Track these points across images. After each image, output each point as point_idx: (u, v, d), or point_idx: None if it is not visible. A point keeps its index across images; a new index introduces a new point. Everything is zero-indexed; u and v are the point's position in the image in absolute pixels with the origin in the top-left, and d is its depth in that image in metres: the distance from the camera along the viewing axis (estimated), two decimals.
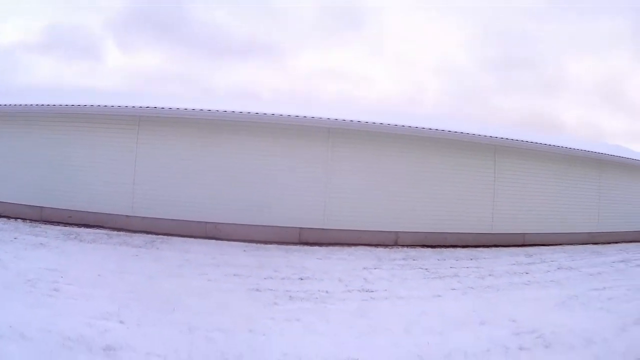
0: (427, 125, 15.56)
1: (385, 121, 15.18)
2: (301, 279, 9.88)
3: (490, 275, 11.45)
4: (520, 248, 16.00)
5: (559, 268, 12.76)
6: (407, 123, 15.34)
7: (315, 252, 13.26)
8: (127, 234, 13.71)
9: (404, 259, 13.06)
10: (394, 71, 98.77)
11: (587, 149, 18.15)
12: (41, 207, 14.81)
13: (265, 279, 9.71)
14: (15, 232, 12.48)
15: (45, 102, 14.93)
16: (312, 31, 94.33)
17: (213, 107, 14.38)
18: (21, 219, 14.59)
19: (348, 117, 14.90)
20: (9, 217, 14.61)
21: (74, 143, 14.88)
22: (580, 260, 14.15)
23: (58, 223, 14.39)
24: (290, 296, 8.52)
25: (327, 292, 8.96)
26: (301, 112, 14.88)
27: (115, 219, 14.42)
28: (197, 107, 14.36)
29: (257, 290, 8.85)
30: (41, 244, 11.27)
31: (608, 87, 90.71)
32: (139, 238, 13.13)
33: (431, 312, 8.12)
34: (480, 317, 7.88)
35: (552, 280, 11.20)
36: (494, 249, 15.59)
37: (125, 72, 64.77)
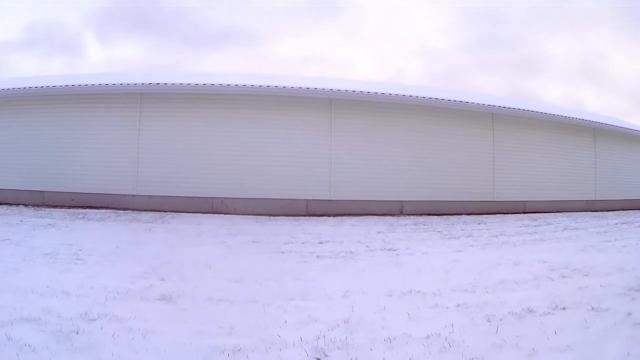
0: (427, 94, 15.82)
1: (387, 91, 15.33)
2: (321, 243, 9.86)
3: (502, 234, 11.60)
4: (522, 215, 16.25)
5: (565, 228, 12.97)
6: (408, 93, 15.50)
7: (325, 221, 13.35)
8: (134, 212, 13.61)
9: (414, 224, 13.19)
10: (374, 55, 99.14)
11: (583, 118, 18.48)
12: (42, 192, 14.59)
13: (285, 244, 9.68)
14: (20, 215, 12.30)
15: (43, 84, 14.77)
16: (290, 17, 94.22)
17: (215, 82, 14.34)
18: (23, 204, 14.36)
19: (349, 88, 15.02)
20: (10, 204, 14.40)
21: (74, 124, 14.71)
22: (583, 222, 14.42)
23: (61, 207, 14.18)
24: (317, 256, 8.45)
25: (351, 252, 8.92)
26: (303, 84, 14.90)
27: (120, 199, 14.28)
28: (200, 82, 14.30)
29: (282, 252, 8.80)
30: (49, 224, 11.06)
31: (590, 65, 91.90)
32: (147, 215, 13.07)
33: (462, 260, 8.23)
34: (510, 260, 8.04)
35: (562, 237, 11.37)
36: (498, 215, 15.82)
37: (106, 66, 64.40)
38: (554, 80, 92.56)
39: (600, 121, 19.32)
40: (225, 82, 14.39)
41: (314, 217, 14.09)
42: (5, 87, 15.04)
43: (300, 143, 14.69)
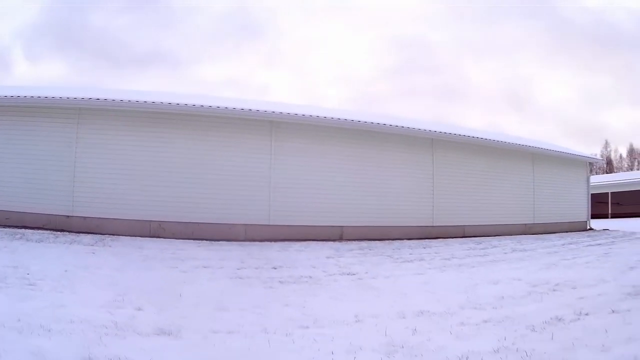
0: (370, 119, 16.04)
1: (328, 115, 15.40)
2: (274, 268, 9.52)
3: (453, 257, 11.64)
4: (463, 239, 16.49)
5: (513, 250, 13.24)
6: (349, 117, 15.58)
7: (269, 246, 13.03)
8: (72, 234, 12.82)
9: (360, 249, 13.05)
10: (293, 79, 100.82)
11: (521, 143, 19.05)
12: None
13: (238, 269, 9.28)
14: None
15: None
16: (212, 41, 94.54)
17: (156, 100, 13.94)
18: None
19: (291, 110, 15.01)
20: None
21: (7, 137, 13.89)
22: (529, 244, 14.68)
23: None
24: (279, 281, 8.13)
25: (310, 277, 8.63)
26: (245, 105, 14.71)
27: (54, 219, 13.48)
28: (141, 99, 13.88)
29: (241, 278, 8.41)
30: None
31: (513, 91, 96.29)
32: (86, 237, 12.34)
33: (434, 282, 8.22)
34: (484, 280, 8.19)
35: (515, 258, 11.62)
36: (439, 240, 15.93)
37: (32, 82, 62.67)
38: (475, 107, 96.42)
39: (538, 146, 20.22)
40: (166, 100, 14.03)
41: (255, 242, 13.75)
42: None
43: (240, 166, 14.41)
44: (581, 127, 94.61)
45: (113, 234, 13.14)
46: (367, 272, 9.21)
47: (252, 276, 8.53)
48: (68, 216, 13.50)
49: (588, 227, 21.61)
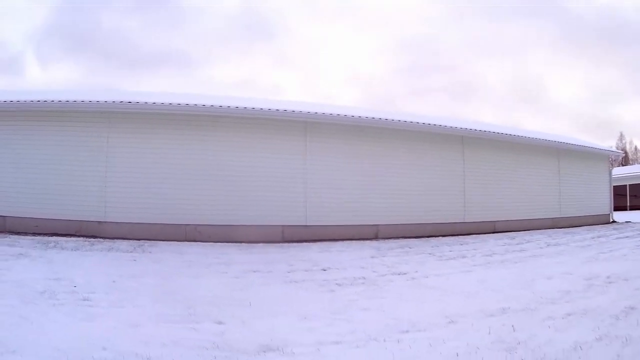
0: (402, 118, 15.99)
1: (363, 114, 15.31)
2: (324, 270, 9.46)
3: (494, 253, 11.69)
4: (495, 234, 16.48)
5: (548, 245, 13.31)
6: (384, 117, 15.54)
7: (308, 247, 12.96)
8: (106, 240, 12.60)
9: (400, 247, 12.99)
10: (306, 79, 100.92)
11: (547, 138, 19.49)
12: (4, 217, 13.35)
13: (289, 272, 9.22)
14: None
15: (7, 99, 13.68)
16: (224, 42, 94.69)
17: (190, 102, 13.86)
18: None
19: (326, 111, 14.95)
20: None
21: (38, 143, 13.65)
22: (560, 239, 14.80)
23: (25, 233, 13.02)
24: (336, 284, 8.08)
25: (364, 278, 8.59)
26: (280, 106, 14.66)
27: (87, 226, 13.25)
28: (174, 101, 13.78)
29: (295, 281, 8.34)
30: (20, 254, 9.99)
31: (526, 88, 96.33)
32: (122, 244, 12.13)
33: (489, 279, 8.27)
34: (537, 275, 8.33)
35: (553, 252, 11.79)
36: (471, 236, 15.95)
37: (45, 85, 62.80)
38: (489, 104, 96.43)
39: (563, 141, 20.25)
40: (199, 102, 13.94)
41: (292, 243, 13.63)
42: None
43: (276, 167, 14.31)
44: (595, 121, 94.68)
45: (147, 239, 12.96)
46: (416, 271, 9.21)
47: (305, 279, 8.48)
48: (100, 222, 13.32)
49: (611, 220, 21.70)
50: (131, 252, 11.12)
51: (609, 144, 71.17)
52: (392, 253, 11.86)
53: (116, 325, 5.18)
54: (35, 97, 13.67)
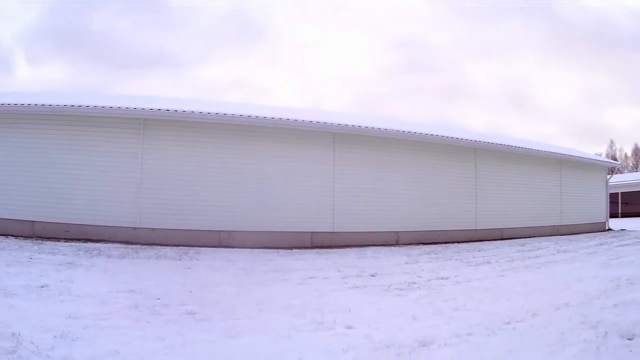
0: (421, 130, 16.74)
1: (387, 126, 16.09)
2: (373, 275, 10.09)
3: (513, 260, 12.55)
4: (503, 241, 17.42)
5: (558, 252, 14.17)
6: (406, 129, 16.39)
7: (342, 253, 13.64)
8: (145, 247, 12.89)
9: (426, 253, 13.75)
10: (295, 80, 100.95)
11: (551, 150, 20.54)
12: (32, 222, 13.31)
13: (343, 278, 9.76)
14: (22, 250, 11.16)
15: (38, 102, 13.63)
16: (214, 43, 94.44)
17: (228, 111, 14.32)
18: (11, 235, 13.08)
19: (354, 122, 15.61)
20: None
21: (70, 148, 13.70)
22: (566, 246, 15.71)
23: (55, 239, 13.05)
24: (397, 288, 8.73)
25: (414, 282, 9.28)
26: (309, 117, 15.28)
27: (119, 231, 13.41)
28: (211, 110, 14.21)
29: (357, 287, 8.91)
30: (68, 262, 10.05)
31: (514, 91, 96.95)
32: (168, 251, 12.44)
33: (527, 282, 9.21)
34: (567, 279, 9.28)
35: (566, 259, 12.68)
36: (484, 242, 16.87)
37: (34, 84, 62.46)
38: (477, 107, 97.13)
39: (565, 152, 21.41)
40: (238, 112, 14.42)
41: (321, 249, 14.27)
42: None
43: (307, 176, 14.91)
44: (584, 126, 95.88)
45: (183, 245, 13.30)
46: (456, 276, 9.95)
47: (366, 285, 9.06)
48: (135, 228, 13.53)
49: (607, 228, 22.80)
50: (179, 259, 11.44)
51: (599, 150, 72.54)
52: (423, 259, 12.56)
53: (269, 338, 5.50)
54: (67, 101, 13.83)
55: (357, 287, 8.85)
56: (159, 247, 12.99)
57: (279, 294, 8.10)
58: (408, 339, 5.35)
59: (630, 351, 4.59)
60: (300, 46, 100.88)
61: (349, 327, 5.96)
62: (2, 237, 12.83)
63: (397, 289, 8.68)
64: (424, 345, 5.15)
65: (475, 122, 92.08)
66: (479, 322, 6.05)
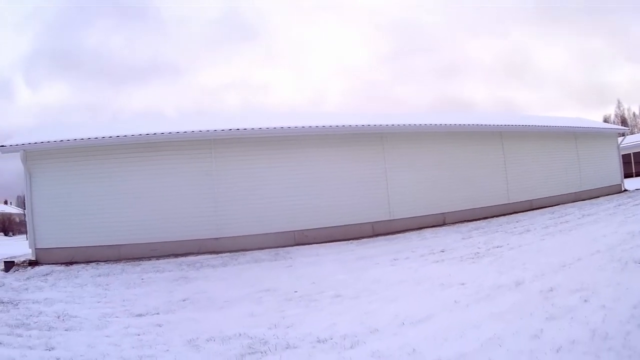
0: (454, 122, 19.00)
1: (427, 122, 18.53)
2: (442, 251, 11.78)
3: (548, 226, 14.27)
4: (533, 211, 19.44)
5: (583, 216, 15.91)
6: (440, 122, 18.62)
7: (403, 237, 15.59)
8: (232, 254, 14.30)
9: (475, 229, 15.70)
10: (293, 76, 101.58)
11: (568, 125, 22.93)
12: (119, 246, 14.57)
13: (421, 256, 11.53)
14: (125, 273, 12.21)
15: (113, 134, 14.80)
16: (209, 47, 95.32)
17: (284, 125, 16.10)
18: (100, 261, 14.12)
19: (397, 122, 17.79)
20: (88, 262, 13.96)
21: (148, 173, 15.10)
22: (590, 210, 17.49)
23: (142, 258, 14.34)
24: (468, 258, 10.44)
25: (477, 253, 10.96)
26: (359, 122, 17.25)
27: (204, 243, 14.94)
28: (271, 125, 16.02)
29: (437, 261, 10.61)
30: (182, 277, 11.06)
31: (513, 63, 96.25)
32: (255, 254, 13.95)
33: (565, 242, 11.14)
34: (595, 236, 11.10)
35: (591, 221, 14.33)
36: (517, 214, 18.98)
37: (36, 108, 64.60)
38: (478, 82, 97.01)
39: (579, 125, 23.60)
40: (286, 124, 16.15)
41: (380, 237, 16.21)
42: (73, 137, 14.71)
43: (362, 173, 17.00)
44: (590, 90, 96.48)
45: (263, 248, 14.89)
46: (508, 244, 11.72)
47: (443, 259, 10.75)
48: (217, 238, 15.17)
49: (623, 189, 24.77)
50: (275, 260, 12.98)
51: (607, 111, 72.48)
52: (474, 234, 14.41)
53: (417, 298, 7.28)
54: (140, 131, 15.05)
55: (437, 262, 10.56)
56: (244, 252, 14.55)
57: (384, 274, 9.63)
58: (508, 283, 7.44)
59: None
60: (296, 43, 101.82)
61: (462, 284, 7.86)
62: (93, 263, 13.87)
63: (468, 258, 10.45)
64: (519, 284, 7.29)
65: (478, 96, 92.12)
66: (544, 269, 8.05)
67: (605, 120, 67.09)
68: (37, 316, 7.88)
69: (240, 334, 6.25)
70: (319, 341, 5.64)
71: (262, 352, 5.47)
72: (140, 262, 13.89)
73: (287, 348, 5.52)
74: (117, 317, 7.81)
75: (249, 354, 5.46)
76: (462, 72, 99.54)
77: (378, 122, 17.44)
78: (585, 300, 5.74)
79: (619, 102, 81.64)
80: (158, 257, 14.30)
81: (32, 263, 14.18)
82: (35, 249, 14.44)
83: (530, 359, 4.22)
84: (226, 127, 15.67)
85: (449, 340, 5.08)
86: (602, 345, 4.25)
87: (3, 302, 9.07)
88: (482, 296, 6.85)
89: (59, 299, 9.30)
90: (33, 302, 9.05)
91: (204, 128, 15.54)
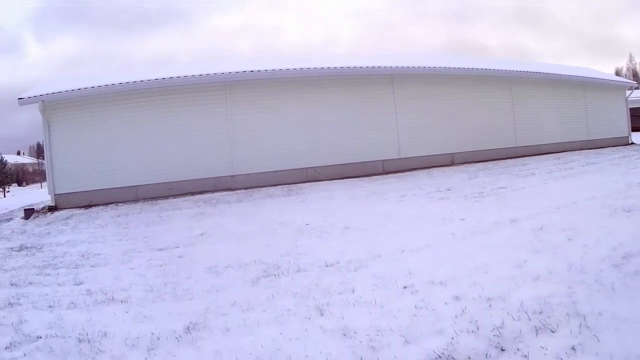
0: (467, 65, 19.41)
1: (438, 64, 18.65)
2: (449, 190, 12.44)
3: (552, 172, 14.68)
4: (540, 156, 19.86)
5: (587, 164, 16.26)
6: (454, 65, 18.91)
7: (412, 175, 16.25)
8: (246, 190, 14.96)
9: (481, 170, 16.27)
10: (306, 19, 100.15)
11: (576, 74, 23.01)
12: (137, 186, 15.27)
13: (428, 194, 12.13)
14: (145, 212, 12.77)
15: (134, 79, 15.34)
16: None
17: (297, 66, 16.51)
18: (120, 202, 14.74)
19: (406, 64, 18.08)
20: (106, 204, 14.56)
21: (164, 117, 15.70)
22: (595, 158, 17.80)
23: (160, 197, 14.83)
24: (472, 197, 10.99)
25: (482, 192, 11.57)
26: (369, 63, 17.52)
27: (219, 181, 15.57)
28: (284, 67, 16.39)
29: (442, 199, 11.22)
30: (200, 213, 11.85)
31: (527, 9, 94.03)
32: (270, 190, 14.69)
33: (568, 186, 11.49)
34: (596, 183, 11.35)
35: (595, 169, 14.65)
36: (524, 158, 19.40)
37: (48, 62, 64.58)
38: (491, 27, 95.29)
39: (587, 75, 23.60)
40: (299, 66, 16.56)
41: (389, 174, 16.81)
42: (90, 85, 15.12)
43: (372, 113, 17.47)
44: (602, 42, 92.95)
45: (276, 185, 15.62)
46: (512, 186, 12.24)
47: (449, 197, 11.38)
48: (232, 176, 15.84)
49: (630, 142, 24.86)
50: (288, 195, 13.67)
51: (619, 64, 70.99)
52: (481, 175, 14.95)
53: (426, 230, 7.99)
54: (155, 76, 15.63)
55: (442, 199, 11.17)
56: (258, 188, 15.23)
57: (394, 209, 10.30)
58: (504, 220, 7.97)
59: (628, 217, 7.03)
60: None
61: (463, 220, 8.47)
62: (112, 204, 14.50)
63: (472, 197, 11.00)
64: (514, 222, 7.81)
65: (490, 42, 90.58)
66: (541, 210, 8.51)
67: (617, 73, 65.53)
68: (63, 257, 8.52)
69: (255, 261, 6.93)
70: (327, 265, 6.36)
71: (275, 275, 6.15)
72: (158, 201, 14.46)
73: (298, 271, 6.23)
74: (139, 252, 8.48)
75: (264, 277, 6.13)
76: (475, 17, 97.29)
77: (388, 64, 17.72)
78: (570, 239, 6.23)
79: (630, 55, 79.68)
80: (175, 196, 14.83)
81: (52, 209, 14.82)
82: (55, 194, 15.05)
83: (511, 284, 4.78)
84: (240, 69, 16.10)
85: (443, 265, 5.71)
86: (576, 277, 4.75)
87: (27, 247, 9.70)
88: (479, 231, 7.45)
89: (81, 240, 10.00)
90: (57, 245, 9.73)
91: (218, 71, 15.97)
